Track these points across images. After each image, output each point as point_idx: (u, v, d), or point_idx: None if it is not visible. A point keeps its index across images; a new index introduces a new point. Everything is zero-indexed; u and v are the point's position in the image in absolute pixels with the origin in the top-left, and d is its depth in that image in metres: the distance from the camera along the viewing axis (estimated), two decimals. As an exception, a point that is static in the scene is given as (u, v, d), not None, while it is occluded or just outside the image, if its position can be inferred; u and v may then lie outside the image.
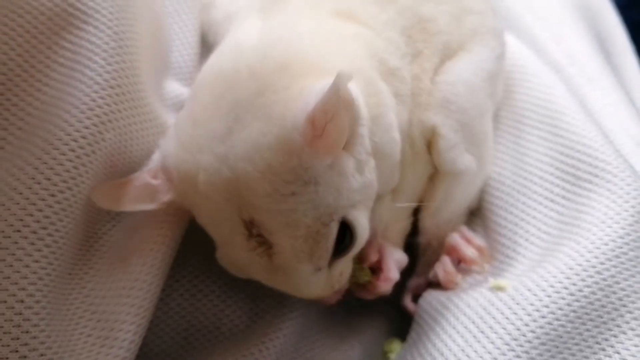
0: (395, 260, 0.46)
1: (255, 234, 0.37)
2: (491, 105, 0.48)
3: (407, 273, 0.49)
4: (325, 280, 0.39)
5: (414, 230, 0.50)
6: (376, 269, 0.45)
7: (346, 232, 0.38)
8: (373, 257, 0.45)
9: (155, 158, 0.41)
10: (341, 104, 0.33)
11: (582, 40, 0.57)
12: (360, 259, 0.45)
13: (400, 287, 0.48)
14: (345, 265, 0.41)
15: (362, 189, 0.38)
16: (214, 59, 0.42)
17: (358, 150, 0.37)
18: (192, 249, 0.45)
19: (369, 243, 0.45)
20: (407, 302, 0.49)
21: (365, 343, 0.49)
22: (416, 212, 0.49)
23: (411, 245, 0.50)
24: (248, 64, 0.38)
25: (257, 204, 0.36)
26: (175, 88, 0.50)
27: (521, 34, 0.58)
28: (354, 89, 0.36)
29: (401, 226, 0.48)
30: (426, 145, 0.45)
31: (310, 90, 0.34)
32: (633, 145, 0.48)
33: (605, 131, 0.49)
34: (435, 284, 0.48)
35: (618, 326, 0.39)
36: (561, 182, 0.45)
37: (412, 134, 0.44)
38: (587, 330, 0.39)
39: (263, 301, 0.47)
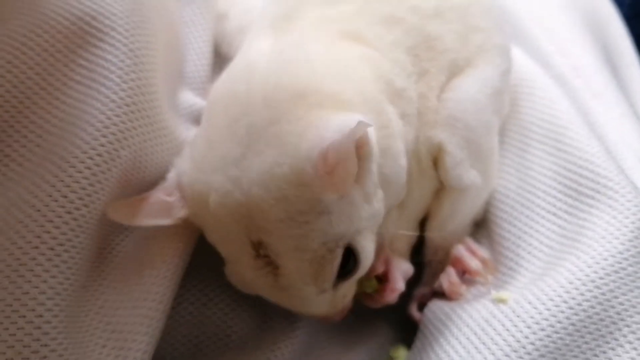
0: (401, 271, 0.47)
1: (263, 254, 0.38)
2: (497, 121, 0.49)
3: (413, 282, 0.50)
4: (330, 301, 0.41)
5: (421, 241, 0.51)
6: (383, 279, 0.47)
7: (350, 256, 0.39)
8: (380, 268, 0.46)
9: (171, 176, 0.42)
10: (353, 151, 0.35)
11: (588, 53, 0.58)
12: (369, 269, 0.46)
13: (406, 295, 0.49)
14: (349, 287, 0.42)
15: (369, 218, 0.39)
16: (227, 78, 0.43)
17: (367, 184, 0.38)
18: (203, 258, 0.46)
19: (376, 254, 0.46)
20: (413, 310, 0.50)
21: (372, 350, 0.51)
22: (423, 223, 0.50)
23: (418, 255, 0.51)
24: (262, 89, 0.39)
25: (268, 227, 0.37)
26: (189, 98, 0.51)
27: (528, 46, 0.58)
28: (371, 131, 0.37)
29: (408, 238, 0.49)
30: (432, 162, 0.46)
31: (326, 125, 0.36)
32: (635, 160, 0.49)
33: (609, 145, 0.50)
34: (441, 294, 0.48)
35: (616, 339, 0.40)
36: (564, 197, 0.46)
37: (418, 151, 0.45)
38: (586, 343, 0.40)
39: (273, 310, 0.47)
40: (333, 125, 0.35)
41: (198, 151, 0.40)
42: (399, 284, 0.46)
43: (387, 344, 0.51)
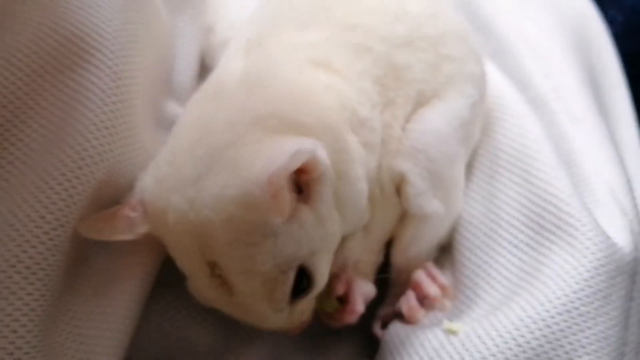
0: (362, 293, 0.47)
1: (217, 274, 0.38)
2: (464, 150, 0.49)
3: (378, 299, 0.50)
4: (286, 318, 0.41)
5: (387, 260, 0.51)
6: (344, 300, 0.47)
7: (304, 276, 0.39)
8: (340, 290, 0.46)
9: (135, 192, 0.42)
10: (286, 181, 0.35)
11: (571, 75, 0.56)
12: (328, 289, 0.46)
13: (369, 313, 0.49)
14: (306, 304, 0.42)
15: (322, 240, 0.40)
16: (197, 98, 0.43)
17: (319, 207, 0.39)
18: (170, 270, 0.46)
19: (337, 276, 0.47)
20: (376, 329, 0.50)
21: None
22: (388, 245, 0.50)
23: (384, 272, 0.51)
24: (226, 111, 0.39)
25: (218, 249, 0.37)
26: (173, 109, 0.52)
27: (510, 63, 0.58)
28: (322, 153, 0.37)
29: (372, 260, 0.49)
30: (395, 189, 0.46)
31: (276, 150, 0.36)
32: (606, 191, 0.48)
33: (582, 173, 0.50)
34: (402, 315, 0.49)
35: None
36: (526, 230, 0.46)
37: (381, 179, 0.45)
38: None
39: (234, 325, 0.47)
40: (284, 149, 0.35)
41: (161, 169, 0.41)
42: (358, 306, 0.46)
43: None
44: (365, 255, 0.48)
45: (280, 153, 0.35)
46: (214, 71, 0.46)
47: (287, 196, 0.36)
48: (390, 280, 0.51)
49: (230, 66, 0.44)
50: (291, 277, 0.38)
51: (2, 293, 0.38)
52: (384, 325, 0.50)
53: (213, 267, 0.38)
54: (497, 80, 0.53)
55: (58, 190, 0.40)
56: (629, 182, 0.50)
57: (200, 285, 0.40)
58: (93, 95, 0.42)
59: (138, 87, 0.45)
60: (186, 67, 0.54)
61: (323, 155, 0.37)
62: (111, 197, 0.43)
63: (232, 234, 0.37)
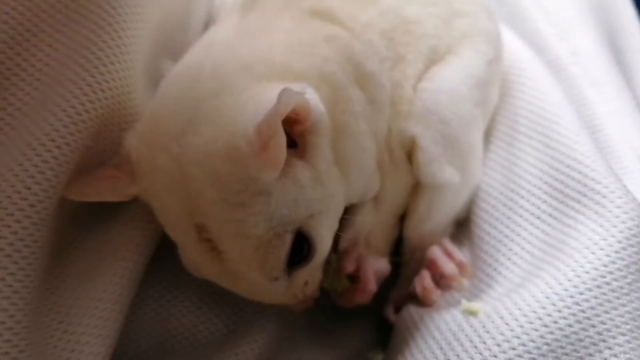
0: (375, 270, 0.45)
1: (206, 238, 0.36)
2: (481, 114, 0.45)
3: (392, 283, 0.48)
4: (286, 289, 0.38)
5: (401, 239, 0.48)
6: (355, 279, 0.44)
7: (304, 242, 0.37)
8: (349, 267, 0.44)
9: (122, 151, 0.39)
10: (280, 124, 0.32)
11: (589, 37, 0.54)
12: (338, 267, 0.44)
13: (384, 296, 0.47)
14: (310, 274, 0.39)
15: (322, 200, 0.37)
16: (186, 55, 0.41)
17: (316, 160, 0.36)
18: (167, 254, 0.43)
19: (347, 252, 0.45)
20: (389, 313, 0.47)
21: (349, 354, 0.48)
22: (402, 220, 0.47)
23: (397, 255, 0.48)
24: (213, 60, 0.37)
25: (206, 210, 0.35)
26: (168, 67, 0.49)
27: (525, 28, 0.55)
28: (313, 96, 0.35)
29: (385, 234, 0.47)
30: (406, 155, 0.43)
31: (264, 98, 0.33)
32: (634, 157, 0.45)
33: (605, 139, 0.47)
34: (416, 297, 0.46)
35: None
36: (549, 199, 0.43)
37: (390, 144, 0.42)
38: None
39: (241, 309, 0.46)
40: (269, 98, 0.32)
41: (145, 126, 0.38)
42: (370, 285, 0.44)
43: (365, 347, 0.49)
44: (377, 229, 0.46)
45: (267, 101, 0.32)
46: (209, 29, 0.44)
47: (280, 146, 0.33)
48: (403, 260, 0.48)
49: (225, 21, 0.42)
50: (287, 241, 0.35)
51: None
52: (397, 309, 0.47)
53: (201, 231, 0.36)
54: (512, 43, 0.50)
55: (46, 157, 0.36)
56: None
57: (190, 253, 0.38)
58: (90, 54, 0.39)
59: (140, 48, 0.43)
60: (194, 30, 0.51)
61: (315, 99, 0.35)
62: (96, 164, 0.40)
63: (220, 192, 0.34)
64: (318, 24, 0.40)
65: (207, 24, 0.54)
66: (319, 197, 0.36)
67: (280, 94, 0.31)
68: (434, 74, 0.43)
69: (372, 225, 0.45)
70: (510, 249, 0.43)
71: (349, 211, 0.41)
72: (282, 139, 0.33)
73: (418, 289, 0.45)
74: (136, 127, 0.39)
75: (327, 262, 0.41)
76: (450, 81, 0.43)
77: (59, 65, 0.38)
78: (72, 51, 0.38)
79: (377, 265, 0.45)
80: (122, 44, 0.40)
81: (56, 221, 0.38)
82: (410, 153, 0.43)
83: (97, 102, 0.39)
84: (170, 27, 0.49)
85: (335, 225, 0.39)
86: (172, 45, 0.49)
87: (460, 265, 0.45)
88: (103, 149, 0.41)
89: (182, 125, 0.35)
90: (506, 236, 0.43)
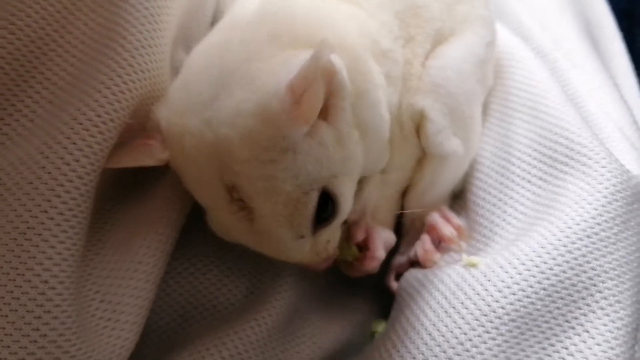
0: (382, 240, 0.47)
1: (236, 198, 0.37)
2: (481, 91, 0.49)
3: (392, 253, 0.50)
4: (310, 247, 0.40)
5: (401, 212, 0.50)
6: (363, 248, 0.47)
7: (328, 202, 0.38)
8: (359, 236, 0.46)
9: (151, 122, 0.41)
10: (319, 72, 0.34)
11: (568, 27, 0.58)
12: (348, 237, 0.46)
13: (387, 266, 0.49)
14: (331, 234, 0.41)
15: (344, 160, 0.39)
16: (211, 32, 0.43)
17: (339, 122, 0.38)
18: (192, 228, 0.46)
19: (356, 222, 0.47)
20: (390, 281, 0.50)
21: (354, 324, 0.50)
22: (404, 193, 0.50)
23: (397, 224, 0.51)
24: (241, 33, 0.39)
25: (237, 169, 0.36)
26: (183, 57, 0.50)
27: (509, 21, 0.59)
28: (338, 61, 0.37)
29: (391, 207, 0.49)
30: (415, 129, 0.46)
31: (294, 60, 0.35)
32: (615, 128, 0.49)
33: (588, 115, 0.50)
34: (417, 263, 0.48)
35: (588, 305, 0.40)
36: (538, 164, 0.46)
37: (401, 118, 0.45)
38: (557, 308, 0.40)
39: (258, 279, 0.48)
40: (300, 59, 0.35)
41: (175, 96, 0.40)
42: (379, 252, 0.46)
43: (370, 318, 0.51)
44: (382, 202, 0.48)
45: (297, 62, 0.34)
46: (228, 12, 0.46)
47: (316, 98, 0.35)
48: (402, 229, 0.51)
49: (244, 4, 0.44)
50: (314, 199, 0.37)
51: (32, 240, 0.36)
52: (397, 277, 0.49)
53: (232, 191, 0.37)
54: (501, 32, 0.54)
55: (93, 131, 0.38)
56: (635, 122, 0.51)
57: (220, 215, 0.39)
58: (130, 34, 0.40)
59: (170, 34, 0.44)
60: (205, 17, 0.53)
61: (340, 63, 0.37)
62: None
63: (251, 151, 0.36)
64: (336, 4, 0.43)
65: (216, 14, 0.56)
66: (341, 158, 0.38)
67: (312, 56, 0.33)
68: (440, 52, 0.46)
69: (378, 198, 0.48)
70: (505, 211, 0.46)
71: (357, 185, 0.43)
72: (320, 89, 0.35)
73: (419, 252, 0.47)
74: (164, 99, 0.41)
75: None
76: (455, 59, 0.46)
77: (99, 46, 0.39)
78: (111, 32, 0.40)
79: (384, 235, 0.47)
80: (157, 29, 0.42)
81: (97, 195, 0.39)
82: (419, 126, 0.45)
83: (138, 82, 0.40)
84: (189, 18, 0.51)
85: (354, 187, 0.41)
86: (188, 36, 0.51)
87: (458, 229, 0.47)
88: (140, 127, 0.42)
89: (213, 90, 0.37)
90: (500, 200, 0.46)
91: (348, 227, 0.47)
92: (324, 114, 0.37)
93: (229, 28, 0.41)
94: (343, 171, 0.39)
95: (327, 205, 0.38)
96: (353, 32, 0.41)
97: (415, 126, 0.46)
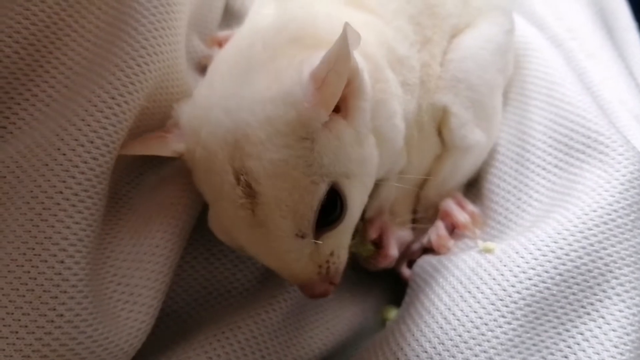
0: (397, 238, 0.47)
1: (243, 182, 0.36)
2: (502, 79, 0.49)
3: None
4: (311, 254, 0.38)
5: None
6: (379, 245, 0.47)
7: (337, 203, 0.38)
8: (373, 234, 0.47)
9: (171, 119, 0.41)
10: (343, 57, 0.34)
11: (582, 16, 0.57)
12: (364, 233, 0.47)
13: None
14: (335, 243, 0.39)
15: (360, 161, 0.38)
16: (233, 40, 0.43)
17: (358, 123, 0.38)
18: (204, 215, 0.45)
19: (371, 220, 0.47)
20: (403, 268, 0.50)
21: (366, 311, 0.51)
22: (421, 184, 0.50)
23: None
24: (263, 38, 0.39)
25: (249, 150, 0.36)
26: (198, 44, 0.52)
27: (523, 11, 0.59)
28: (360, 60, 0.37)
29: (409, 203, 0.50)
30: (436, 127, 0.46)
31: (316, 54, 0.36)
32: (630, 117, 0.49)
33: (603, 103, 0.50)
34: (430, 250, 0.48)
35: (604, 291, 0.40)
36: (555, 152, 0.46)
37: (420, 120, 0.45)
38: (573, 293, 0.40)
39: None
40: (323, 53, 0.35)
41: (200, 94, 0.40)
42: (392, 251, 0.47)
43: (380, 307, 0.52)
44: (401, 199, 0.49)
45: (319, 56, 0.35)
46: (245, 20, 0.46)
47: (337, 83, 0.35)
48: (416, 217, 0.51)
49: (261, 12, 0.44)
50: (321, 190, 0.36)
51: (48, 220, 0.36)
52: (410, 264, 0.49)
53: (239, 175, 0.36)
54: (518, 22, 0.54)
55: (107, 113, 0.38)
56: None
57: (223, 204, 0.38)
58: (143, 17, 0.40)
59: (184, 16, 0.45)
60: (218, 7, 0.54)
61: (362, 63, 0.37)
62: (149, 127, 0.42)
63: (268, 133, 0.36)
64: (353, 11, 0.43)
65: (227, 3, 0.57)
66: (357, 158, 0.38)
67: (334, 46, 0.33)
68: (458, 44, 0.46)
69: (397, 196, 0.48)
70: (520, 199, 0.46)
71: (375, 183, 0.43)
72: (343, 75, 0.35)
73: (433, 238, 0.47)
74: (188, 99, 0.41)
75: (355, 230, 0.42)
76: (471, 47, 0.46)
77: (114, 30, 0.40)
78: (125, 15, 0.40)
79: (400, 234, 0.48)
80: (171, 11, 0.42)
81: (113, 178, 0.39)
82: (440, 124, 0.46)
83: (152, 64, 0.40)
84: (201, 5, 0.51)
85: (365, 197, 0.40)
86: (201, 23, 0.52)
87: (472, 215, 0.48)
88: (157, 110, 0.42)
89: (237, 83, 0.37)
90: (515, 187, 0.47)
91: (365, 224, 0.47)
92: (344, 113, 0.37)
93: (250, 33, 0.42)
94: (357, 172, 0.38)
95: (335, 207, 0.37)
96: (371, 40, 0.41)
97: (436, 124, 0.46)
